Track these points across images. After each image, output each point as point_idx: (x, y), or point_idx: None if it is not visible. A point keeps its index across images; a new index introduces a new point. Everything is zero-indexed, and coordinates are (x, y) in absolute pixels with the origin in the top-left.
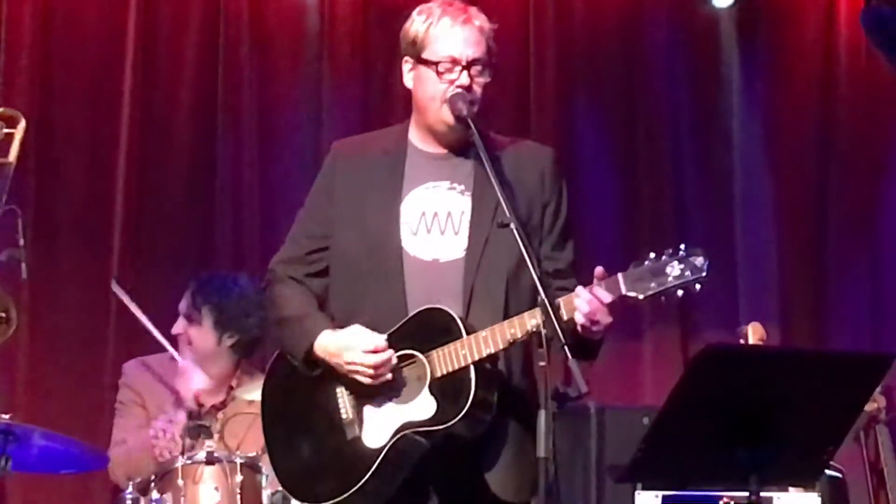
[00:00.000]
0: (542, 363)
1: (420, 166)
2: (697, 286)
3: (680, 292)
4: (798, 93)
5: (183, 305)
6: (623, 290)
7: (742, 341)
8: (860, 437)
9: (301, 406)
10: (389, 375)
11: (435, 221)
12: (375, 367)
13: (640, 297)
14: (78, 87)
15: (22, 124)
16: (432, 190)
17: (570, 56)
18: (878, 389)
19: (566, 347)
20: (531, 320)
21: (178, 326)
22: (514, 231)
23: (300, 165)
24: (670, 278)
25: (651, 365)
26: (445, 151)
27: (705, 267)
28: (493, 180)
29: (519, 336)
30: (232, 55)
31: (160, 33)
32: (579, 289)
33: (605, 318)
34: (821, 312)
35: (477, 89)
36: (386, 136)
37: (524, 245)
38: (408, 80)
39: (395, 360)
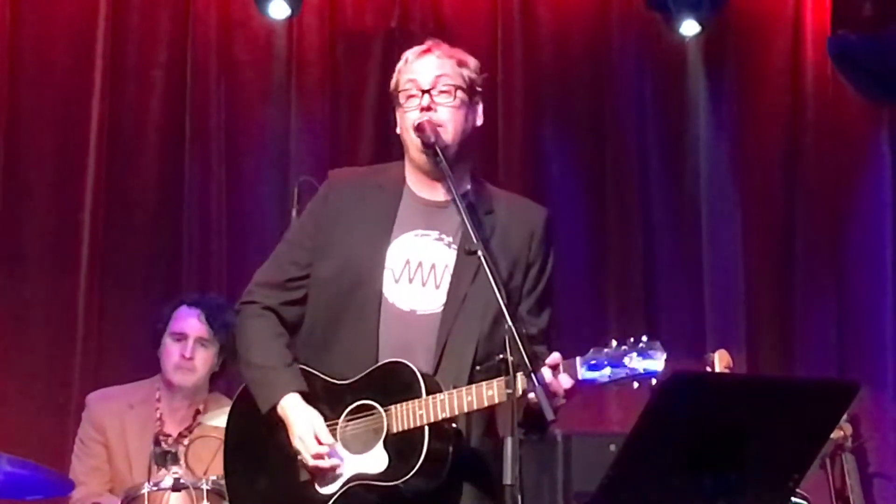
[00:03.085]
0: (509, 391)
1: (412, 212)
2: (653, 381)
3: (635, 384)
4: (764, 120)
5: (195, 327)
6: (580, 375)
7: (709, 369)
8: (826, 465)
9: (262, 441)
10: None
11: (418, 272)
12: (314, 469)
13: (596, 382)
14: (46, 111)
15: None
16: (420, 238)
17: (539, 86)
18: (845, 417)
19: (532, 374)
20: (488, 391)
21: (189, 350)
22: (482, 258)
23: (268, 192)
24: (626, 370)
25: (617, 392)
26: (440, 199)
27: (662, 362)
28: (461, 211)
29: (475, 406)
30: (200, 81)
31: (128, 60)
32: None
33: (559, 402)
34: (787, 340)
35: (443, 112)
36: (384, 172)
37: (491, 272)
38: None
39: (339, 464)
